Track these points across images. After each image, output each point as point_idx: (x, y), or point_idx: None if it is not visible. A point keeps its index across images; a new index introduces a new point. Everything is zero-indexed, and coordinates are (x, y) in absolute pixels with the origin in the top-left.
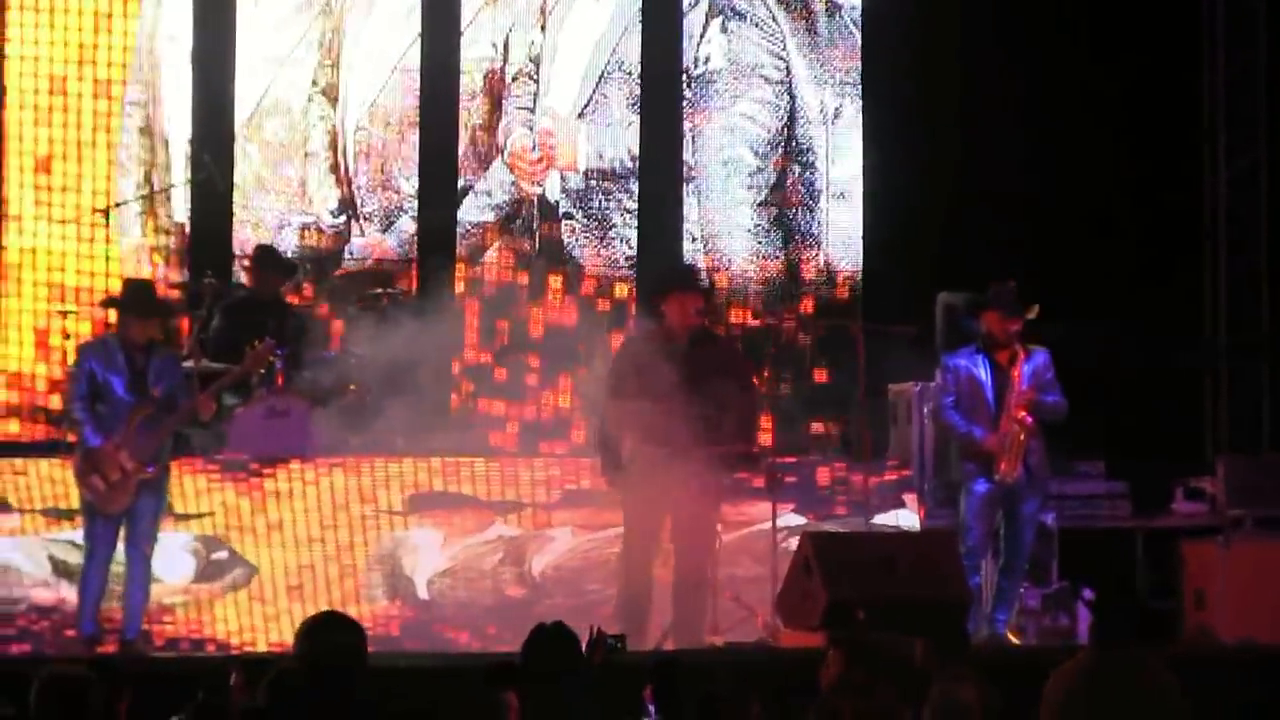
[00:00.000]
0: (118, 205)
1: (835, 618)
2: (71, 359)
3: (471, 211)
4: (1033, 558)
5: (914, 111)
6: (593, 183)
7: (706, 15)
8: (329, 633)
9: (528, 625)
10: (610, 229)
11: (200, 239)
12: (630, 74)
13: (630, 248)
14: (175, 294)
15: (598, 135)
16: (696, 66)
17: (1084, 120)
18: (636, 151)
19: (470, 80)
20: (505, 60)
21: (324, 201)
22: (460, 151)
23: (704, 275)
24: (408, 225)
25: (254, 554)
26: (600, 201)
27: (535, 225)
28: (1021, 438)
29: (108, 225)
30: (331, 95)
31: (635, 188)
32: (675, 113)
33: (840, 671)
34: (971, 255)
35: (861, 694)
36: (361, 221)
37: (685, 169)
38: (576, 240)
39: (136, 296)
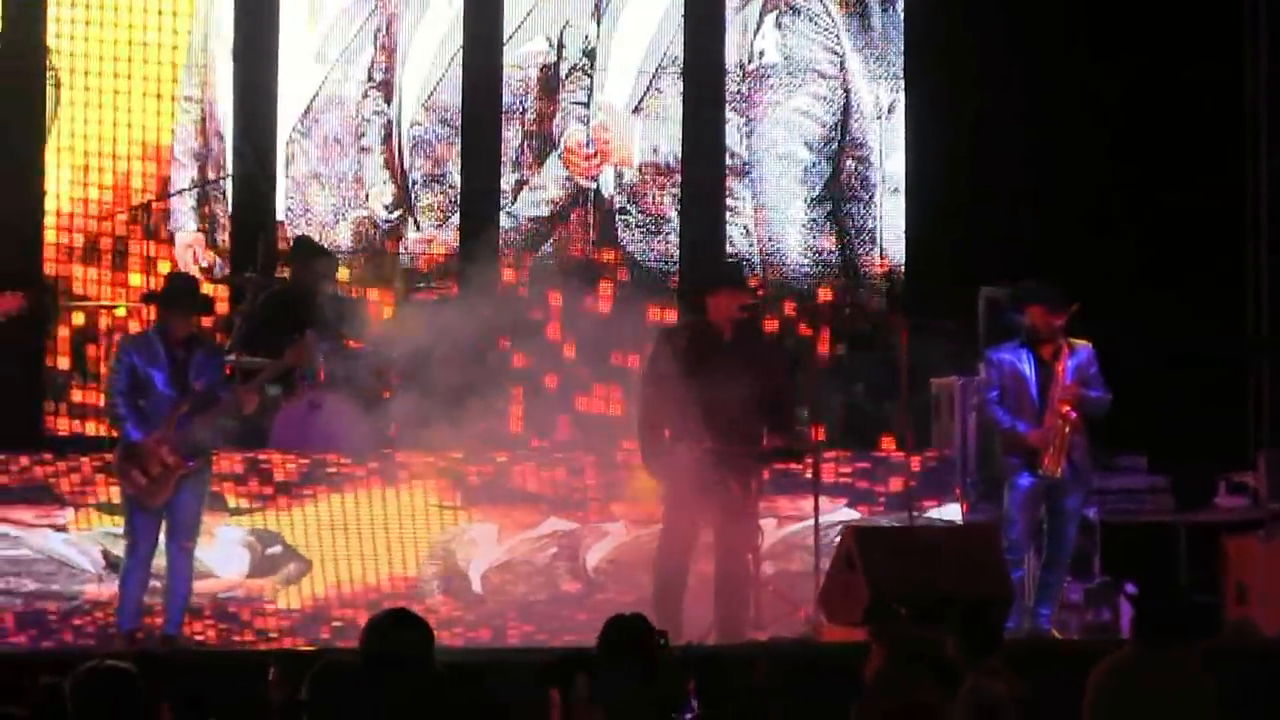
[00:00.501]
0: (156, 200)
1: (877, 612)
2: (113, 354)
3: (526, 206)
4: (1075, 552)
5: (957, 106)
6: (647, 177)
7: (761, 10)
8: (395, 630)
9: (582, 619)
10: (665, 223)
11: (242, 233)
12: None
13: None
14: (217, 287)
15: (652, 130)
16: (751, 61)
17: (1123, 116)
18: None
19: (524, 75)
20: (560, 55)
21: (379, 196)
22: (515, 146)
23: (749, 272)
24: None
25: (308, 548)
26: (654, 196)
27: (590, 220)
28: (1066, 432)
29: (148, 221)
30: (387, 90)
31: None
32: (719, 107)
33: (882, 666)
34: (1014, 250)
35: (904, 689)
36: (417, 216)
37: (740, 164)
38: (631, 235)
39: (177, 291)
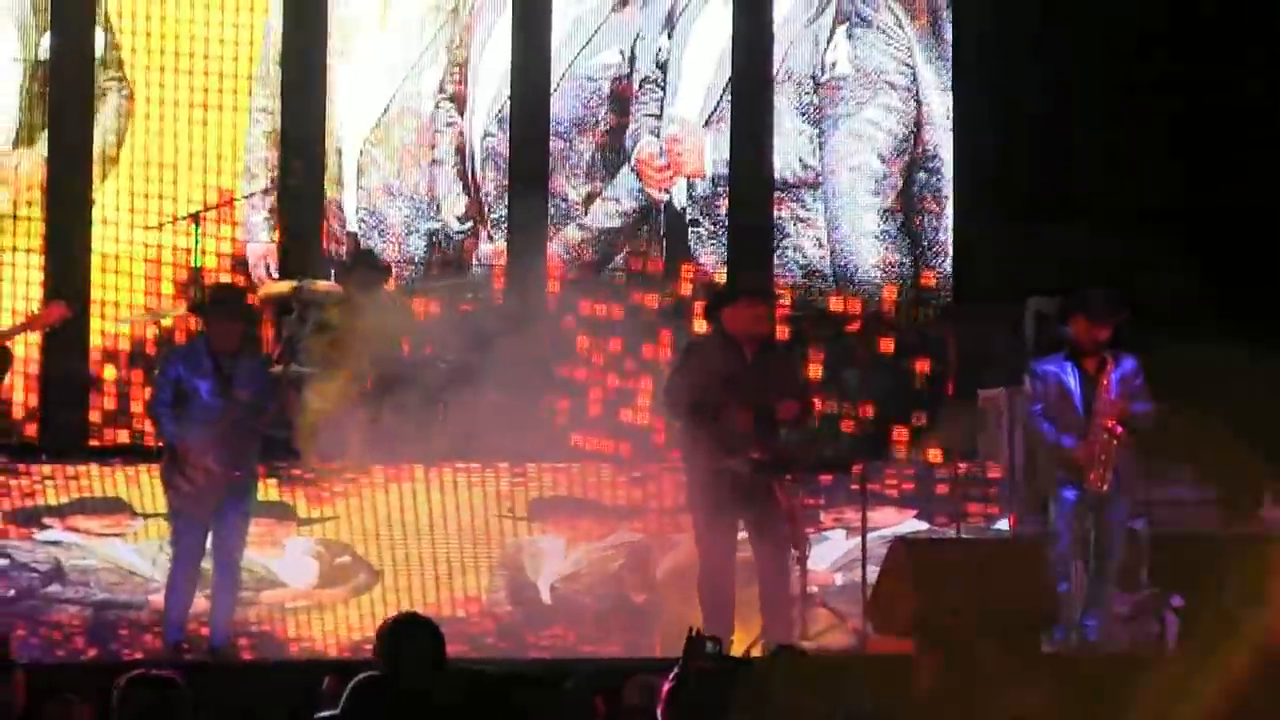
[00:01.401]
0: (207, 210)
1: (925, 624)
2: (158, 364)
3: (599, 218)
4: (1122, 564)
5: (1005, 115)
6: (719, 189)
7: (833, 22)
8: (405, 634)
9: (650, 629)
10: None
11: (291, 243)
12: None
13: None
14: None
15: (724, 142)
16: (823, 73)
17: (1180, 126)
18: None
19: (597, 87)
20: (632, 67)
21: (451, 208)
22: (587, 158)
23: (768, 284)
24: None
25: (377, 558)
26: (726, 208)
27: (662, 232)
28: (1112, 447)
29: (199, 231)
30: (459, 102)
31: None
32: (765, 119)
33: (933, 677)
34: (1064, 260)
35: (956, 700)
36: (489, 228)
37: (812, 175)
38: (703, 246)
39: (222, 302)
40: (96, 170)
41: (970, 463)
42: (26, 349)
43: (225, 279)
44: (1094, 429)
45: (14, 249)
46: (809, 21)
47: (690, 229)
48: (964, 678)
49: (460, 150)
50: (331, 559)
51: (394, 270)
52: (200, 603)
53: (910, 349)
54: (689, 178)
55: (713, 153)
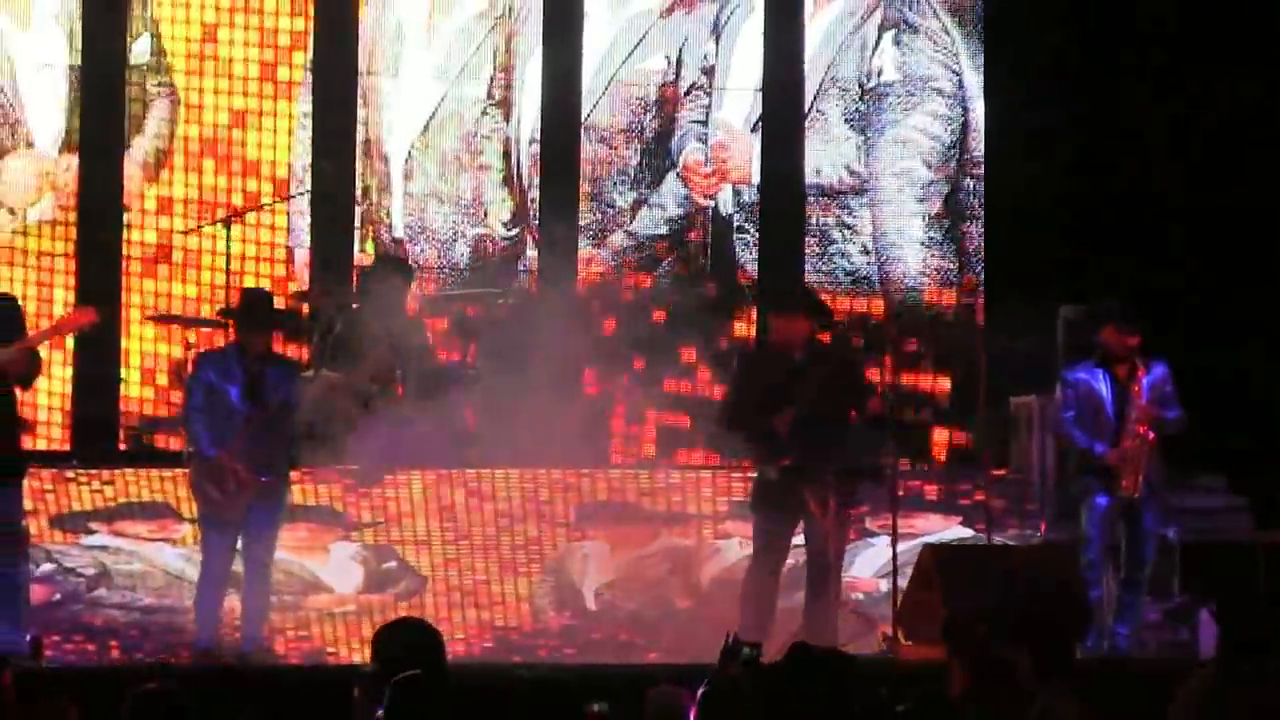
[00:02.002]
0: (240, 214)
1: (956, 631)
2: (189, 369)
3: (645, 224)
4: (1154, 572)
5: (1036, 121)
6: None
7: (879, 28)
8: (400, 639)
9: (696, 636)
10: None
11: (321, 248)
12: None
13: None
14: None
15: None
16: (870, 79)
17: (1212, 135)
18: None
19: (643, 93)
20: (678, 73)
21: (497, 214)
22: (633, 164)
23: (814, 295)
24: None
25: (423, 564)
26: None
27: (708, 237)
28: (1143, 452)
29: (228, 235)
30: (505, 108)
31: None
32: (796, 126)
33: (965, 684)
34: (1094, 267)
35: (988, 706)
36: (536, 234)
37: (858, 182)
38: (749, 253)
39: (253, 307)
40: (142, 175)
41: (1001, 469)
42: (63, 354)
43: (258, 284)
44: (1126, 435)
45: (51, 254)
46: (855, 28)
47: (736, 235)
48: (994, 685)
49: (507, 156)
50: (377, 564)
51: (415, 273)
52: (233, 606)
53: (938, 356)
54: (735, 184)
55: (758, 158)
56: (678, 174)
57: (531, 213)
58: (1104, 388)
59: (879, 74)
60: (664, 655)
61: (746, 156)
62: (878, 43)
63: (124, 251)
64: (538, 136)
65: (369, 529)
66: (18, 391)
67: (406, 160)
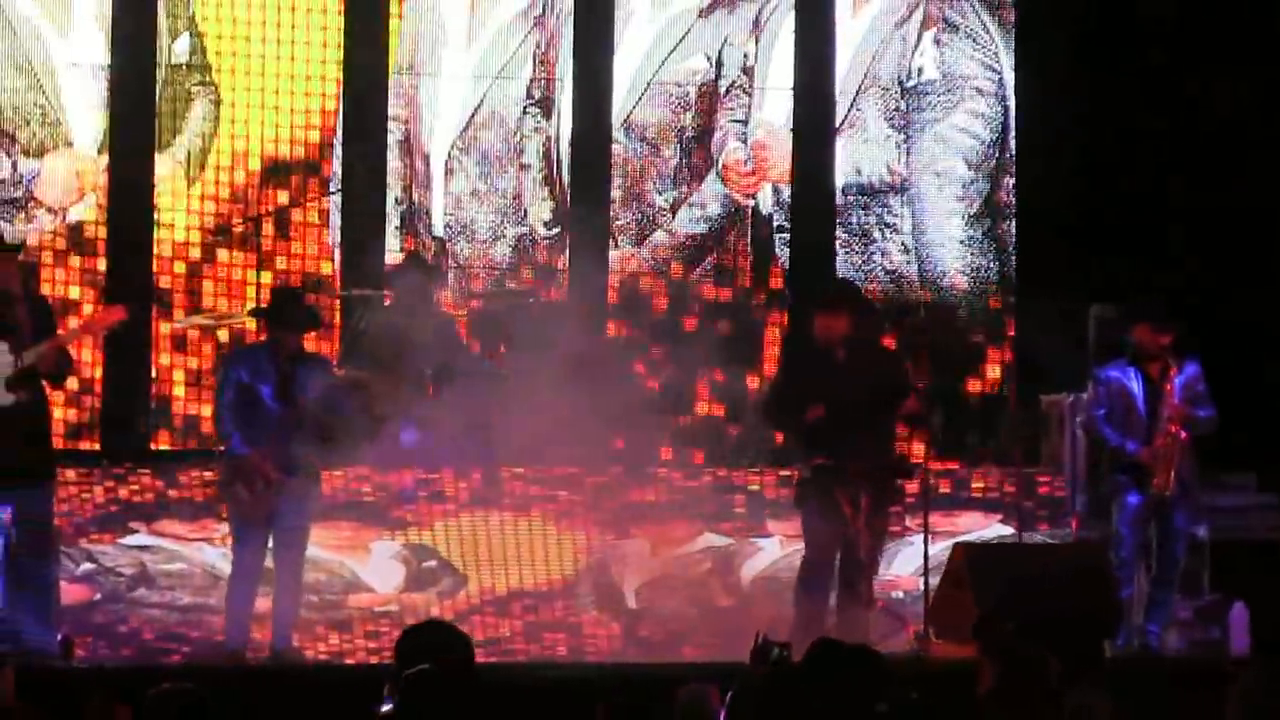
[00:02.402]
0: (269, 213)
1: (987, 629)
2: (221, 367)
3: (685, 223)
4: (1185, 570)
5: (1066, 119)
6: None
7: (920, 27)
8: (420, 640)
9: (736, 635)
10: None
11: (350, 248)
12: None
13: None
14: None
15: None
16: (910, 78)
17: (1243, 131)
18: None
19: (683, 92)
20: (719, 73)
21: (538, 213)
22: (673, 164)
23: (852, 292)
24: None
25: (464, 563)
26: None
27: (748, 237)
28: (1176, 449)
29: (259, 233)
30: (546, 107)
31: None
32: (828, 126)
33: (996, 682)
34: (1126, 266)
35: (1019, 706)
36: (575, 232)
37: (898, 181)
38: (788, 252)
39: (284, 306)
40: (182, 173)
41: (1032, 468)
42: (92, 353)
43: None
44: (1158, 433)
45: (94, 254)
46: (896, 26)
47: (776, 234)
48: (1024, 684)
49: (547, 155)
50: (418, 563)
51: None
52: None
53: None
54: (775, 183)
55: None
56: (718, 173)
57: (532, 211)
58: (1136, 386)
59: (919, 73)
60: (704, 654)
61: (786, 156)
62: (918, 42)
63: (154, 250)
64: (552, 134)
65: (410, 527)
66: (48, 391)
67: (447, 160)
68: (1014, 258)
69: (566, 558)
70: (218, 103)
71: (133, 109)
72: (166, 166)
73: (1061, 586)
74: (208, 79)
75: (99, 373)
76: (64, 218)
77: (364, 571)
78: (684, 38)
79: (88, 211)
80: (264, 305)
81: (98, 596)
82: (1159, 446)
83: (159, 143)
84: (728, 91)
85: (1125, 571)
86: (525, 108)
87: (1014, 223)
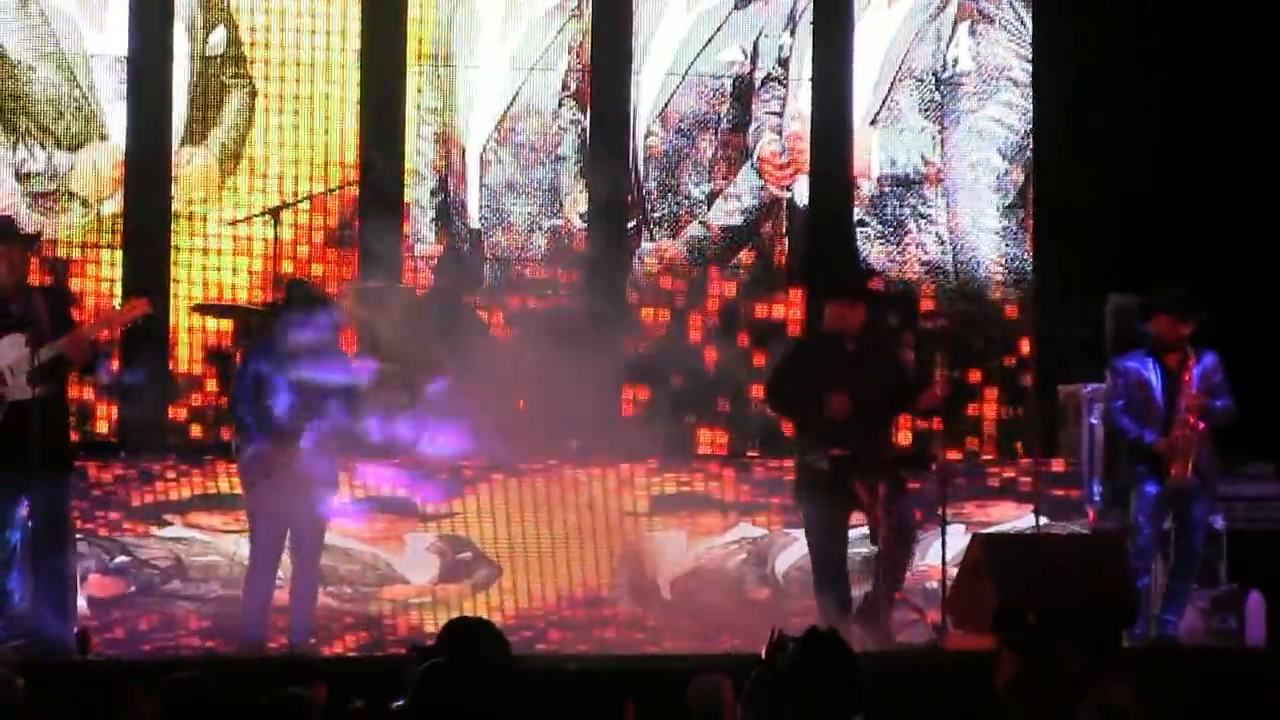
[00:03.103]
0: (286, 206)
1: (1006, 620)
2: (238, 360)
3: (720, 215)
4: (1202, 559)
5: (1084, 110)
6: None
7: (955, 18)
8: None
9: (771, 625)
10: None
11: (370, 240)
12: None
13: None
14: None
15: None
16: (945, 70)
17: (1261, 121)
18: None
19: (719, 84)
20: (754, 65)
21: (574, 205)
22: (709, 156)
23: (869, 282)
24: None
25: (498, 554)
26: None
27: (784, 229)
28: (1194, 439)
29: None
30: (582, 99)
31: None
32: (845, 116)
33: (1015, 673)
34: (1147, 257)
35: (1037, 696)
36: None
37: (933, 172)
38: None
39: (299, 299)
40: (219, 166)
41: (1050, 458)
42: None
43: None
44: (1176, 423)
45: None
46: (930, 18)
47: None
48: (1044, 674)
49: (583, 147)
50: (453, 554)
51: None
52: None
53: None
54: (811, 175)
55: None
56: (753, 165)
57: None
58: (1154, 377)
59: (954, 64)
60: (740, 646)
61: (777, 147)
62: (953, 33)
63: (176, 244)
64: (589, 126)
65: (445, 519)
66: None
67: (483, 151)
68: (1031, 248)
69: (601, 550)
70: (253, 94)
71: (151, 101)
72: (201, 158)
73: (1079, 577)
74: (242, 71)
75: (116, 364)
76: (97, 211)
77: (399, 563)
78: (719, 30)
79: (121, 205)
80: (282, 297)
81: (132, 589)
82: (1177, 437)
83: (193, 135)
84: (764, 84)
85: (1143, 561)
86: (561, 100)
87: (1032, 213)
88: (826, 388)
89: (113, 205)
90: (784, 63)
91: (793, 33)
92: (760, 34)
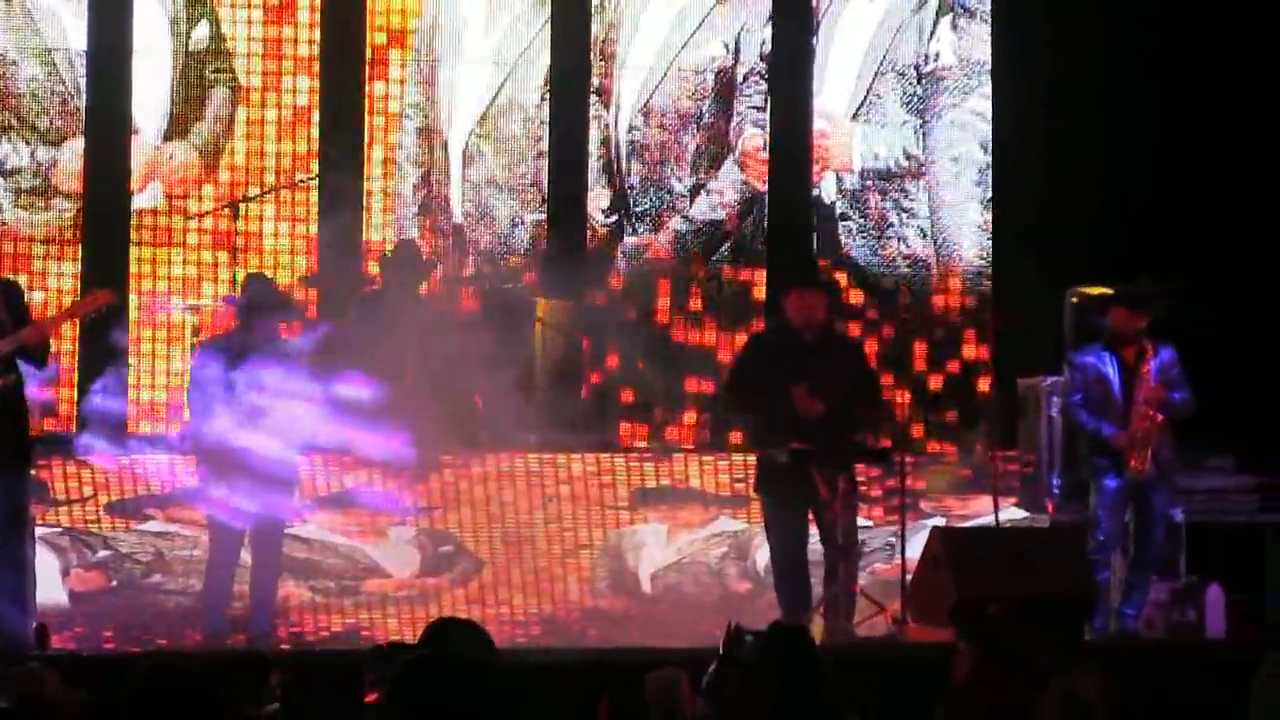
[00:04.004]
0: (247, 199)
1: (965, 612)
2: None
3: (703, 210)
4: (1161, 552)
5: (1045, 103)
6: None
7: (936, 12)
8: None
9: (752, 619)
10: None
11: (329, 236)
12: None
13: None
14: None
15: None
16: (926, 63)
17: (1221, 116)
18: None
19: (701, 79)
20: (736, 59)
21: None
22: (691, 150)
23: (826, 274)
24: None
25: (479, 547)
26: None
27: (765, 224)
28: (1152, 431)
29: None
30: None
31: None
32: (804, 112)
33: (973, 666)
34: (1106, 249)
35: (996, 689)
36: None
37: (915, 166)
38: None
39: (258, 295)
40: (201, 160)
41: (1008, 451)
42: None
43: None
44: (1134, 416)
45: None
46: (913, 12)
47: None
48: (1003, 668)
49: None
50: (434, 548)
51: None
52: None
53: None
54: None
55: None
56: (735, 160)
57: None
58: (1111, 370)
59: (936, 58)
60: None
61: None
62: (935, 27)
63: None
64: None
65: (427, 512)
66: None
67: (465, 147)
68: (991, 241)
69: (583, 542)
70: (236, 89)
71: (109, 96)
72: (184, 153)
73: (1039, 569)
74: (225, 66)
75: (71, 361)
76: (81, 204)
77: (380, 556)
78: (701, 24)
79: (152, 199)
80: (238, 292)
81: (114, 583)
82: (1135, 430)
83: (176, 129)
84: (745, 78)
85: (1103, 555)
86: (543, 95)
87: (991, 206)
88: (786, 380)
89: (143, 200)
90: (765, 57)
91: (774, 28)
92: (743, 28)
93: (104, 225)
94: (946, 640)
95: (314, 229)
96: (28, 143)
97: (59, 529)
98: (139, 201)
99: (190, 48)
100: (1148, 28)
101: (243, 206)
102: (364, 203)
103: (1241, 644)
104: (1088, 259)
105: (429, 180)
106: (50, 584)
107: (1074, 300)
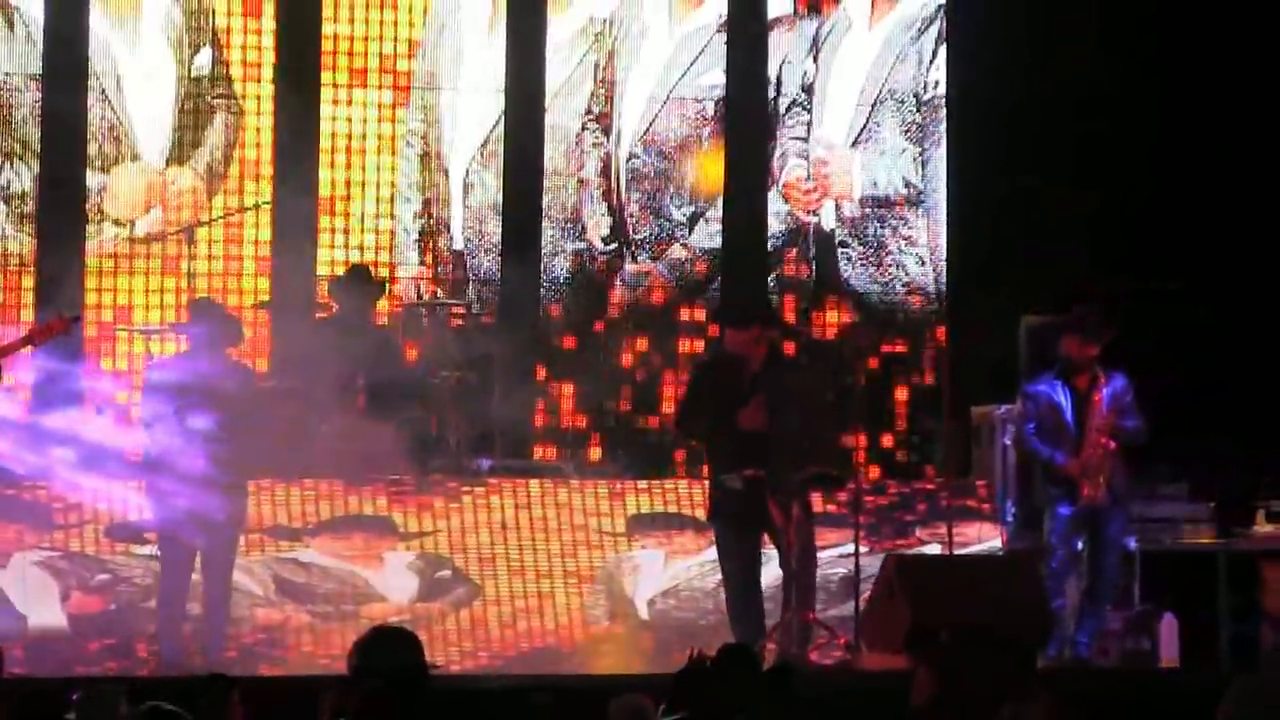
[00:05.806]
0: (204, 223)
1: (919, 639)
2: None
3: (702, 238)
4: (1116, 580)
5: (1000, 131)
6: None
7: (935, 42)
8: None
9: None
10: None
11: (282, 259)
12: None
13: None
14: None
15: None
16: (926, 91)
17: (1181, 132)
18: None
19: (700, 108)
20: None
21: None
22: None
23: (764, 307)
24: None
25: (476, 573)
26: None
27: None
28: (1105, 458)
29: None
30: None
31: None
32: (762, 138)
33: (932, 692)
34: (1106, 250)
35: (955, 714)
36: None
37: (914, 193)
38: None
39: (211, 318)
40: (203, 186)
41: (963, 480)
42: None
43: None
44: (1087, 444)
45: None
46: (912, 40)
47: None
48: (958, 694)
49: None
50: (431, 573)
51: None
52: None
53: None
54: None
55: (861, 173)
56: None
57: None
58: (1064, 399)
59: (935, 86)
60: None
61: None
62: (934, 56)
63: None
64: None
65: (424, 538)
66: None
67: (466, 174)
68: (945, 267)
69: (580, 569)
70: (240, 114)
71: (62, 119)
72: (187, 179)
73: (994, 597)
74: (227, 91)
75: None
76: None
77: (377, 581)
78: (701, 54)
79: (155, 224)
80: (188, 317)
81: (113, 606)
82: (1087, 458)
83: (179, 155)
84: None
85: (1057, 583)
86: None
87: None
88: (736, 406)
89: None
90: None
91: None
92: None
93: (57, 246)
94: (900, 668)
95: (267, 252)
96: (30, 168)
97: (58, 553)
98: (142, 226)
99: (192, 74)
100: (1147, 27)
101: (197, 231)
102: (317, 225)
103: (1195, 672)
104: (1045, 287)
105: (429, 208)
106: (49, 608)
107: (1029, 326)
